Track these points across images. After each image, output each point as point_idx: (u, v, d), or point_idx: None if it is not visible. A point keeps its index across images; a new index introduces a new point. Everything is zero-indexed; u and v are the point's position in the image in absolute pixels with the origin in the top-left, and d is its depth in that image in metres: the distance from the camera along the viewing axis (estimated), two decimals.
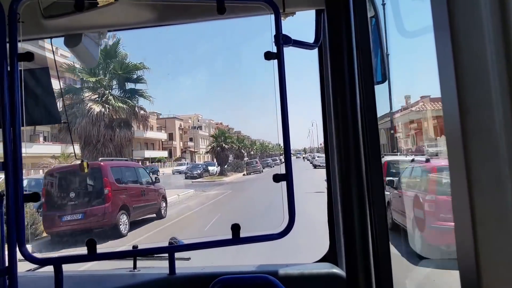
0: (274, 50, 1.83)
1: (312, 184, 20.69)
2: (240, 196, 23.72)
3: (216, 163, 41.01)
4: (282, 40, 1.81)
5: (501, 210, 0.67)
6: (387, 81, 2.04)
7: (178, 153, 57.56)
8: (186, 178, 35.35)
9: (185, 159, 56.13)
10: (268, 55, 1.82)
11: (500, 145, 0.68)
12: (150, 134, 48.61)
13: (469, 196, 0.68)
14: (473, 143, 0.69)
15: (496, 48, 0.69)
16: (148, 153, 47.98)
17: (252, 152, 53.17)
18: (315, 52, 2.28)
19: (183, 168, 41.67)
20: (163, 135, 53.28)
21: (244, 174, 39.46)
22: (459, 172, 0.70)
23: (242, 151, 46.75)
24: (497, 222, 0.67)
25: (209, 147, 43.38)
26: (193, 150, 60.21)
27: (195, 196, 22.73)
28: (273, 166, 47.98)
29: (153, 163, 42.41)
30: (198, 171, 38.13)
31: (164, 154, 52.56)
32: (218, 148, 39.63)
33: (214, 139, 41.11)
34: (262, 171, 40.92)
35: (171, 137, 56.40)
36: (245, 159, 48.37)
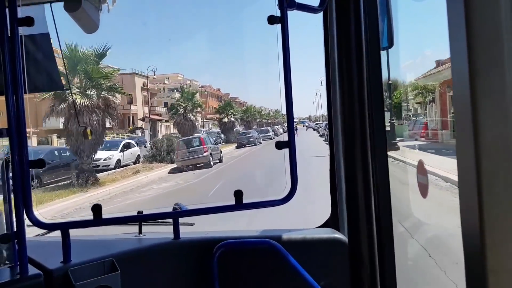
0: (278, 14, 1.78)
1: None
2: None
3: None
4: (286, 3, 1.76)
5: (509, 173, 0.67)
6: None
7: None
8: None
9: (142, 129, 39.45)
10: (272, 19, 1.77)
11: (510, 108, 0.67)
12: None
13: (476, 159, 0.68)
14: (482, 105, 0.68)
15: (511, 7, 0.67)
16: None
17: (225, 120, 33.92)
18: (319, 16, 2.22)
19: None
20: None
21: (171, 171, 19.38)
22: (466, 134, 0.69)
23: (192, 116, 27.59)
24: (505, 185, 0.67)
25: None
26: (159, 117, 42.62)
27: None
28: (259, 143, 30.46)
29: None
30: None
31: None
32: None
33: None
34: (215, 163, 20.78)
35: (128, 100, 39.07)
36: (204, 131, 30.10)
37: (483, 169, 0.68)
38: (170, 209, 2.16)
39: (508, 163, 0.67)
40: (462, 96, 0.71)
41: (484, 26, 0.69)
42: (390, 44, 1.97)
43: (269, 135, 33.84)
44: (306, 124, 63.15)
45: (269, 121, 56.89)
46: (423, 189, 1.50)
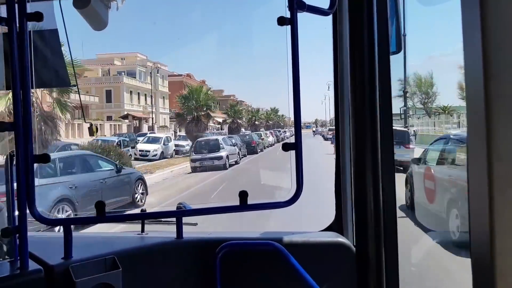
0: (288, 15, 1.78)
1: None
2: None
3: None
4: (296, 5, 1.75)
5: None
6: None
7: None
8: None
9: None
10: (281, 21, 1.77)
11: None
12: None
13: (488, 163, 0.67)
14: (495, 109, 0.67)
15: None
16: None
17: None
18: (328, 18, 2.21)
19: None
20: None
21: None
22: (479, 138, 0.68)
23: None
24: None
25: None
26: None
27: None
28: (133, 202, 9.10)
29: None
30: None
31: None
32: None
33: None
34: None
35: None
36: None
37: (495, 173, 0.67)
38: (173, 208, 2.16)
39: None
40: (475, 99, 0.70)
41: (499, 29, 0.68)
42: (399, 49, 1.96)
43: (219, 159, 16.21)
44: (314, 129, 53.36)
45: (256, 122, 39.43)
46: (430, 195, 1.48)
